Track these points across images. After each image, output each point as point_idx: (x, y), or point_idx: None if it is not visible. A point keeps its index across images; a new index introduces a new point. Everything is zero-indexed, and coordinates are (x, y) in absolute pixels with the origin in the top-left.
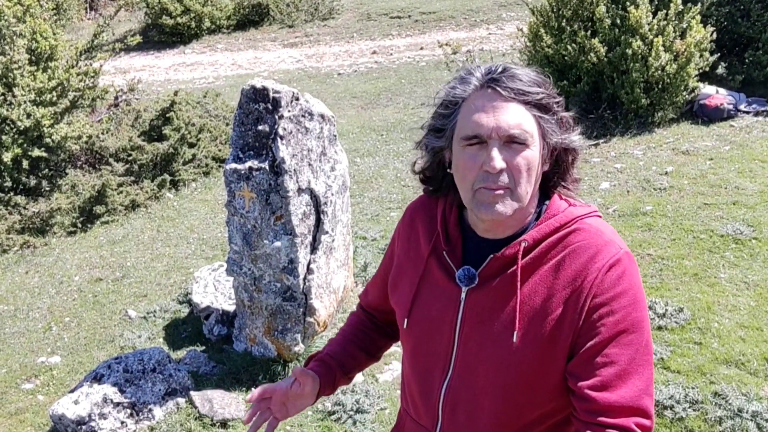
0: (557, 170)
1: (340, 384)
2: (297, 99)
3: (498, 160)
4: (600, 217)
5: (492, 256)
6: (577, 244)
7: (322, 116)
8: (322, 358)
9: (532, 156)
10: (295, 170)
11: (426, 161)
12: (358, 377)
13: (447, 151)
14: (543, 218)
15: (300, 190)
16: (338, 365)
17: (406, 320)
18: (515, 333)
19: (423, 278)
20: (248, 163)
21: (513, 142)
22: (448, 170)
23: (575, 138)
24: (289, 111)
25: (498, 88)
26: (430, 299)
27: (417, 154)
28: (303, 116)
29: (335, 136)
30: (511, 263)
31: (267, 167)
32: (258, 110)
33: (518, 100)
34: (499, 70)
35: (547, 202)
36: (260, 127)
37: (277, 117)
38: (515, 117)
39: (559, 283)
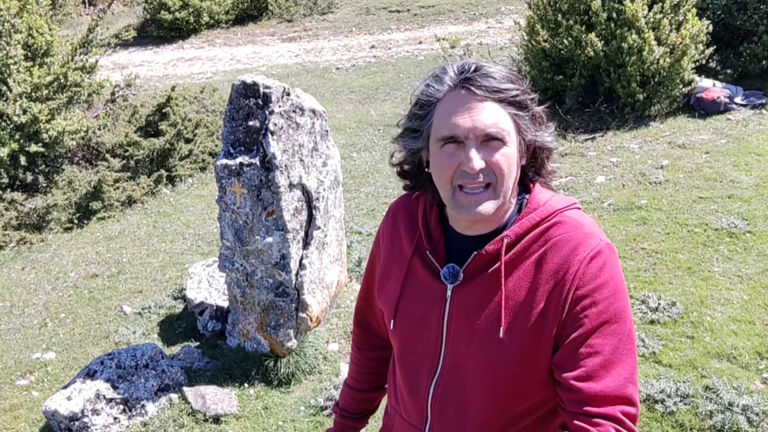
0: (534, 164)
1: (365, 423)
2: (288, 94)
3: (476, 161)
4: (580, 209)
5: (476, 252)
6: (558, 237)
7: (314, 111)
8: (337, 422)
9: (510, 153)
10: (286, 166)
11: (403, 156)
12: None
13: (424, 151)
14: (524, 212)
15: (291, 186)
16: (353, 418)
17: (392, 321)
18: (501, 328)
19: (407, 278)
20: (239, 159)
21: (490, 140)
22: (426, 169)
23: (548, 138)
24: (279, 106)
25: (472, 88)
26: (416, 298)
27: (395, 147)
28: (294, 112)
29: (327, 131)
30: (494, 259)
31: (258, 163)
32: (248, 106)
33: (493, 98)
34: (472, 68)
35: (527, 196)
36: (251, 123)
37: (267, 112)
38: (491, 116)
39: (542, 277)
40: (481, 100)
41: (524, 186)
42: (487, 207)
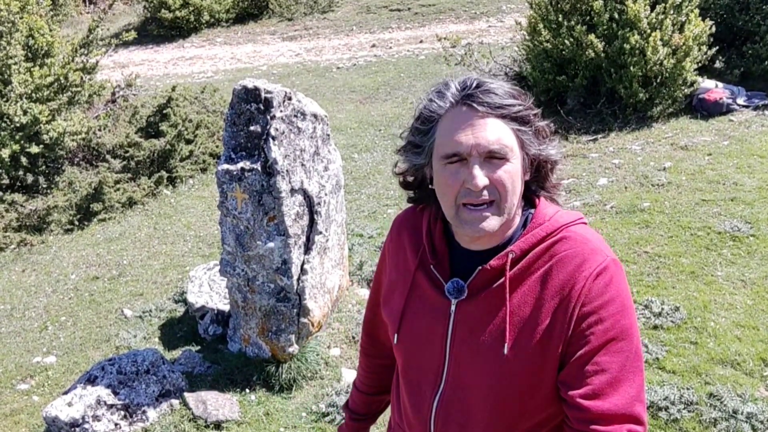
0: (537, 177)
1: (376, 419)
2: (289, 99)
3: (480, 178)
4: (585, 224)
5: (480, 268)
6: (563, 253)
7: (315, 116)
8: (348, 424)
9: (514, 169)
10: (287, 171)
11: (406, 167)
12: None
13: (427, 168)
14: (529, 227)
15: (293, 191)
16: (363, 419)
17: (396, 335)
18: (506, 344)
19: (411, 292)
20: (240, 164)
21: (493, 158)
22: (430, 186)
23: (553, 151)
24: (281, 111)
25: (474, 104)
26: (420, 313)
27: (398, 157)
28: (295, 116)
29: (328, 135)
30: (499, 274)
31: (259, 168)
32: (250, 110)
33: (495, 114)
34: (474, 85)
35: (532, 210)
36: (252, 128)
37: (269, 117)
38: (494, 132)
39: (548, 293)
40: (483, 117)
41: (529, 200)
42: (491, 223)
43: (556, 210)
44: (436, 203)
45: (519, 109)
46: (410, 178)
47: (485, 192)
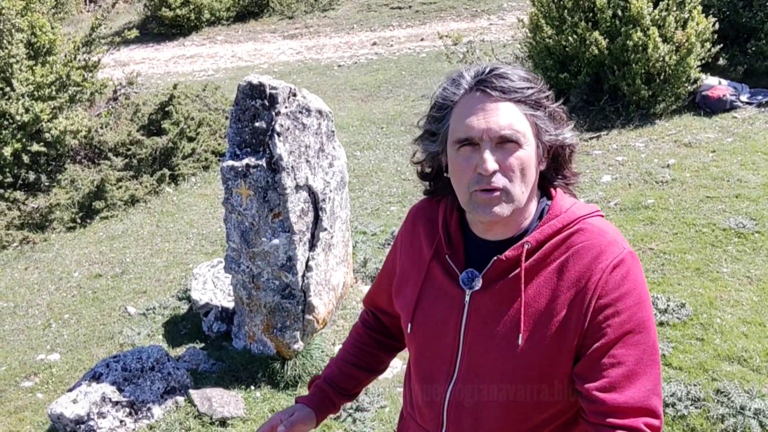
0: (555, 166)
1: (342, 403)
2: (294, 95)
3: (490, 162)
4: (602, 216)
5: (495, 258)
6: (580, 244)
7: (320, 112)
8: (319, 386)
9: (526, 156)
10: (292, 167)
11: (423, 157)
12: None
13: (443, 156)
14: (545, 218)
15: (298, 187)
16: (335, 390)
17: (409, 325)
18: (520, 335)
19: (426, 282)
20: (245, 160)
21: (506, 143)
22: (446, 174)
23: (569, 134)
24: (286, 107)
25: (487, 90)
26: (434, 303)
27: (416, 147)
28: (300, 112)
29: (333, 131)
30: (514, 265)
31: (264, 164)
32: (255, 106)
33: (508, 99)
34: (487, 70)
35: (548, 201)
36: (257, 124)
37: (274, 113)
38: (506, 117)
39: (564, 285)
40: (496, 101)
41: (546, 191)
42: (503, 209)
43: (573, 201)
44: (452, 194)
45: (531, 93)
46: (428, 169)
47: (496, 178)
